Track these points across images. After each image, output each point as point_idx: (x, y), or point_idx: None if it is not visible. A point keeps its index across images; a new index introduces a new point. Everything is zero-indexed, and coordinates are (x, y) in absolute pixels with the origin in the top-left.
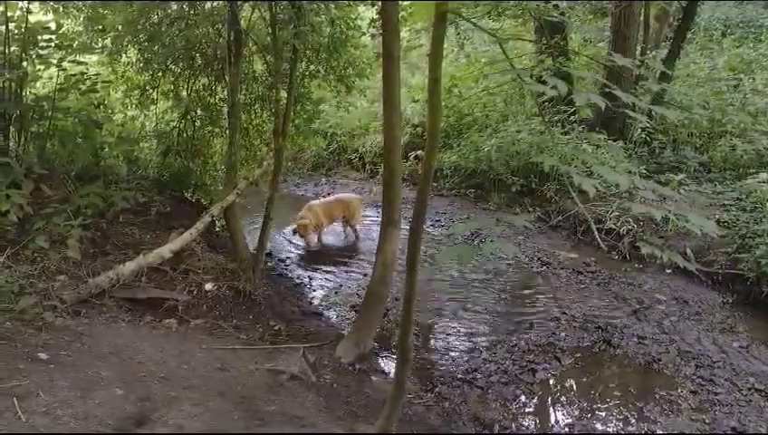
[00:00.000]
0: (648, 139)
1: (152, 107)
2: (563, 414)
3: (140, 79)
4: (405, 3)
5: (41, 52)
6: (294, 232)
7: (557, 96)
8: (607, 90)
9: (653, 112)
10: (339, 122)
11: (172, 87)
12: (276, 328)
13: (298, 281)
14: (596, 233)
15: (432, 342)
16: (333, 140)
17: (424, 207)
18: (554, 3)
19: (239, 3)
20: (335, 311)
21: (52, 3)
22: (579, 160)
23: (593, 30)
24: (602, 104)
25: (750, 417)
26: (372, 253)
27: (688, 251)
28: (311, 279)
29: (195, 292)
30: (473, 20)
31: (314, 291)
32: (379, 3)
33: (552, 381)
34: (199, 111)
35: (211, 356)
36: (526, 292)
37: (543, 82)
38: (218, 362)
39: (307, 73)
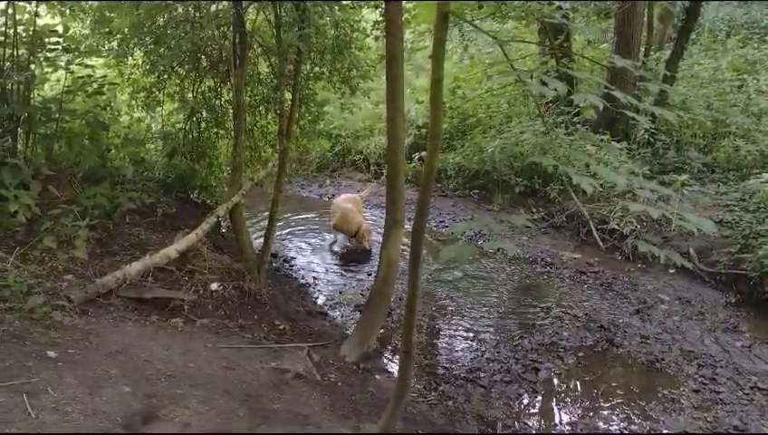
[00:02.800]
0: (651, 139)
1: (158, 109)
2: (566, 413)
3: (146, 81)
4: (409, 5)
5: (48, 54)
6: (354, 236)
7: (560, 97)
8: (606, 91)
9: (656, 113)
10: (343, 124)
11: (178, 89)
12: (281, 327)
13: (303, 281)
14: (595, 232)
15: (435, 341)
16: (338, 142)
17: (426, 207)
18: (558, 4)
19: (244, 5)
20: (339, 310)
21: (59, 6)
22: (581, 161)
23: (597, 31)
24: (600, 105)
25: (752, 416)
26: (376, 253)
27: (691, 251)
28: (315, 279)
29: (200, 292)
30: (475, 22)
31: (319, 291)
32: (383, 5)
33: (555, 381)
34: (205, 113)
35: (217, 355)
36: (529, 292)
37: (545, 84)
38: (224, 361)
39: (312, 75)
